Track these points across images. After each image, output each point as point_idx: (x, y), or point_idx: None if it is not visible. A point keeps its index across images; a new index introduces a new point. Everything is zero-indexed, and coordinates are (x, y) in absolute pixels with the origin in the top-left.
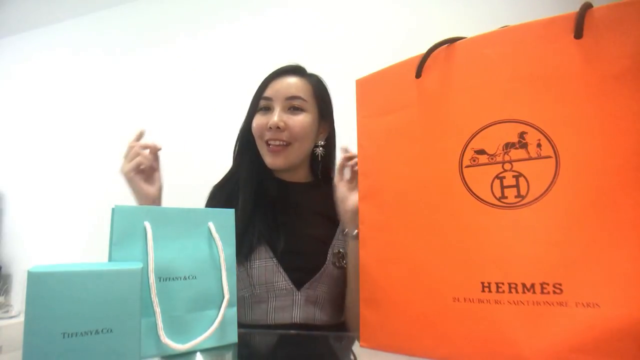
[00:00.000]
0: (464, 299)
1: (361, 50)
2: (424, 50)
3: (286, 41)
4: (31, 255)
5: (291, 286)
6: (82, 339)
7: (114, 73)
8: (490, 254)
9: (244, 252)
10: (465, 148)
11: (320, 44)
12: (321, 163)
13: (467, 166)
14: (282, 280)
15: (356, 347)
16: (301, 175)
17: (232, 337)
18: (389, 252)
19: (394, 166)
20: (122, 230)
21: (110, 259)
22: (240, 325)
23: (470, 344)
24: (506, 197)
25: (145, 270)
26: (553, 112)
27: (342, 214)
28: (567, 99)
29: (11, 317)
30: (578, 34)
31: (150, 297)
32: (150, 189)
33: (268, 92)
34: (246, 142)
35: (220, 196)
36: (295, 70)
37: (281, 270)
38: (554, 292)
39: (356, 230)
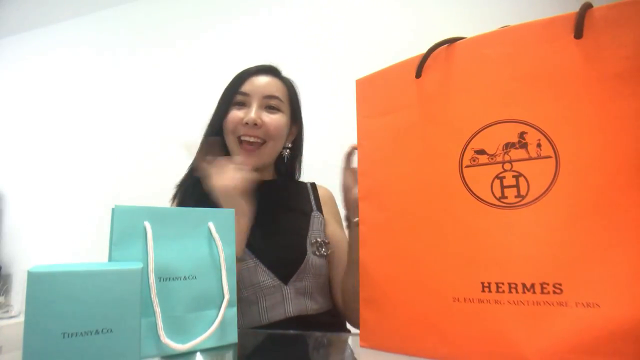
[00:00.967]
0: (464, 299)
1: (361, 50)
2: (424, 50)
3: (286, 41)
4: (31, 255)
5: (278, 282)
6: (82, 339)
7: (114, 73)
8: (490, 253)
9: None
10: (465, 148)
11: (320, 44)
12: (287, 165)
13: (467, 166)
14: (267, 278)
15: (356, 347)
16: (268, 175)
17: (232, 337)
18: (389, 252)
19: (394, 166)
20: (122, 230)
21: (110, 259)
22: None
23: (470, 344)
24: (506, 197)
25: (145, 270)
26: (553, 112)
27: (347, 202)
28: (567, 99)
29: (11, 317)
30: (578, 34)
31: (150, 297)
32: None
33: (246, 88)
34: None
35: (182, 195)
36: (273, 71)
37: (264, 268)
38: (554, 292)
39: (356, 218)
